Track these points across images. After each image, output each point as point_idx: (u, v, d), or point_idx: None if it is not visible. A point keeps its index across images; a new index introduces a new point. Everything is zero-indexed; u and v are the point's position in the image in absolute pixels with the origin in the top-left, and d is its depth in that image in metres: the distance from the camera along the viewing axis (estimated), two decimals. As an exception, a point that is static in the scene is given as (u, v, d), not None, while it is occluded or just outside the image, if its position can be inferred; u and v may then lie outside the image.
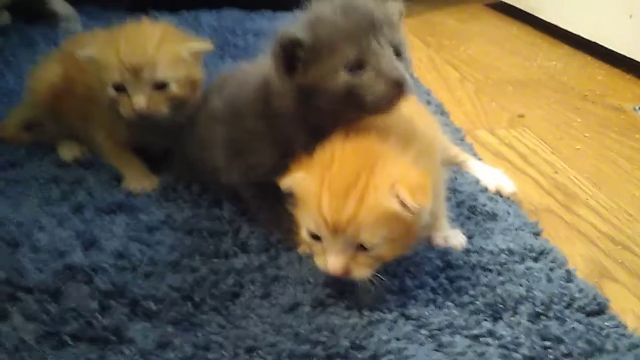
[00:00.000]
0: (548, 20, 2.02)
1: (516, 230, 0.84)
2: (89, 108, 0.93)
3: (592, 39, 1.76)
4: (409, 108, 0.79)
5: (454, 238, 0.80)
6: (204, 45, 0.90)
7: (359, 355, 0.62)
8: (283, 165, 0.70)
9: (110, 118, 0.90)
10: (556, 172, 1.10)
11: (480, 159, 1.08)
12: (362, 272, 0.66)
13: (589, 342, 0.64)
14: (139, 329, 0.65)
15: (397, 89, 0.67)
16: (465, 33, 2.13)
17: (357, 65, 0.67)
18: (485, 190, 0.95)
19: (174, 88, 0.86)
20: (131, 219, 0.85)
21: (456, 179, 0.97)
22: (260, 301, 0.70)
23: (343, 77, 0.67)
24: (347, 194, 0.63)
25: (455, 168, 1.01)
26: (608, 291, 0.77)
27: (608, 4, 1.68)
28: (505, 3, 2.33)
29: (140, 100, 0.83)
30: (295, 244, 0.77)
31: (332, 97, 0.68)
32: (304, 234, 0.69)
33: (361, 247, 0.65)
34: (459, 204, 0.90)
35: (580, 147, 1.22)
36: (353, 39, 0.66)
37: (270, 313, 0.68)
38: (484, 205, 0.90)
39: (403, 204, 0.63)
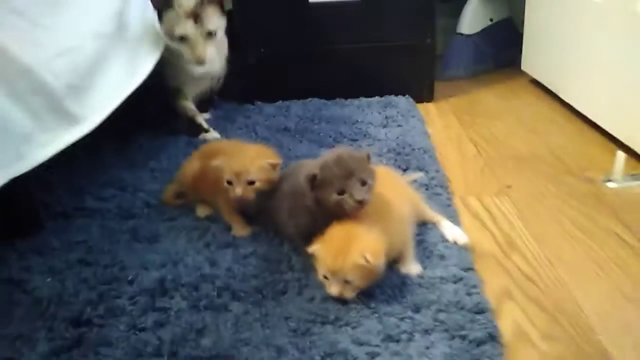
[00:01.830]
0: (566, 99, 2.39)
1: (454, 265, 1.38)
2: (216, 189, 1.59)
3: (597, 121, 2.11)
4: (392, 186, 1.41)
5: (413, 269, 1.37)
6: (277, 161, 1.55)
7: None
8: (314, 226, 1.32)
9: (226, 196, 1.58)
10: (512, 230, 1.59)
11: (458, 220, 1.60)
12: (349, 294, 1.25)
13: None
14: (236, 304, 1.30)
15: (360, 205, 1.27)
16: (499, 110, 2.46)
17: (341, 192, 1.28)
18: (445, 240, 1.49)
19: (259, 184, 1.51)
20: (234, 252, 1.50)
21: (428, 232, 1.53)
22: (297, 296, 1.32)
23: (334, 198, 1.28)
24: (338, 255, 1.23)
25: (431, 225, 1.56)
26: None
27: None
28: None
29: (238, 191, 1.50)
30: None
31: (329, 206, 1.29)
32: (320, 275, 1.29)
33: (347, 282, 1.24)
34: (424, 249, 1.45)
35: (541, 211, 1.68)
36: (340, 179, 1.27)
37: (301, 303, 1.30)
38: (440, 249, 1.45)
39: (367, 261, 1.22)
